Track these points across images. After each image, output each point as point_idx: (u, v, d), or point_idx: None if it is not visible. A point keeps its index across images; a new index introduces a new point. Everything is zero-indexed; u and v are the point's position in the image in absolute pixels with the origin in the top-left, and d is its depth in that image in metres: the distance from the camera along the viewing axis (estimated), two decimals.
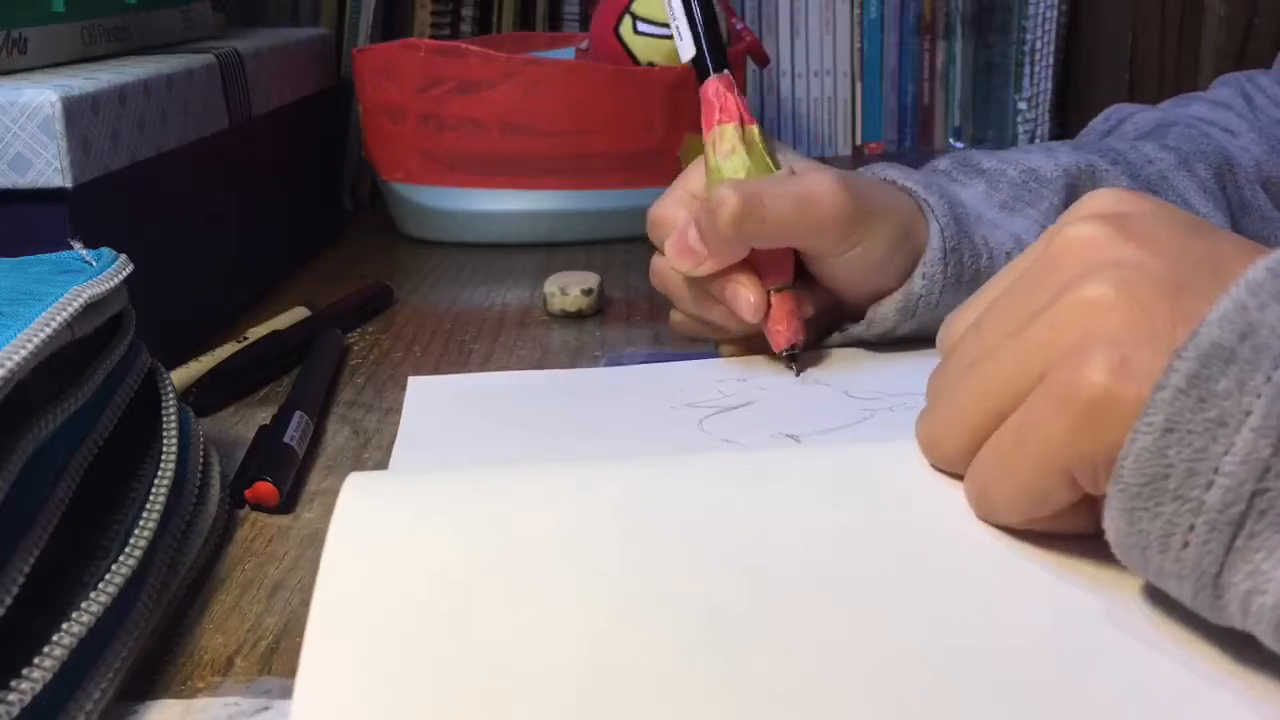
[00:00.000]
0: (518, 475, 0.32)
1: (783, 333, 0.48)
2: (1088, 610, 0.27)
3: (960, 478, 0.31)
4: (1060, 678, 0.25)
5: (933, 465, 0.32)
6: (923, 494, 0.31)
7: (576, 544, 0.29)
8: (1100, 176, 0.53)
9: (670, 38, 0.76)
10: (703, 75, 0.51)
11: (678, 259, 0.48)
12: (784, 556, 0.28)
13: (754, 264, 0.48)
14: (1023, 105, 1.05)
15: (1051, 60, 1.05)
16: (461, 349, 0.58)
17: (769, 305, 0.48)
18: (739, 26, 0.82)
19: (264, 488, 0.41)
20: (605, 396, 0.48)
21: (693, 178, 0.51)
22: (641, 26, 0.76)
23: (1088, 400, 0.26)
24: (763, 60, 0.84)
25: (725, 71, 0.51)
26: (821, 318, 0.51)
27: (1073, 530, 0.29)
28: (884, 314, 0.49)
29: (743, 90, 0.82)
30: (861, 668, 0.25)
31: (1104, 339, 0.27)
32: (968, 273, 0.49)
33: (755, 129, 0.49)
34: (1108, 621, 0.27)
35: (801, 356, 0.50)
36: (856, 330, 0.51)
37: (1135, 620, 0.27)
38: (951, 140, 1.09)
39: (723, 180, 0.48)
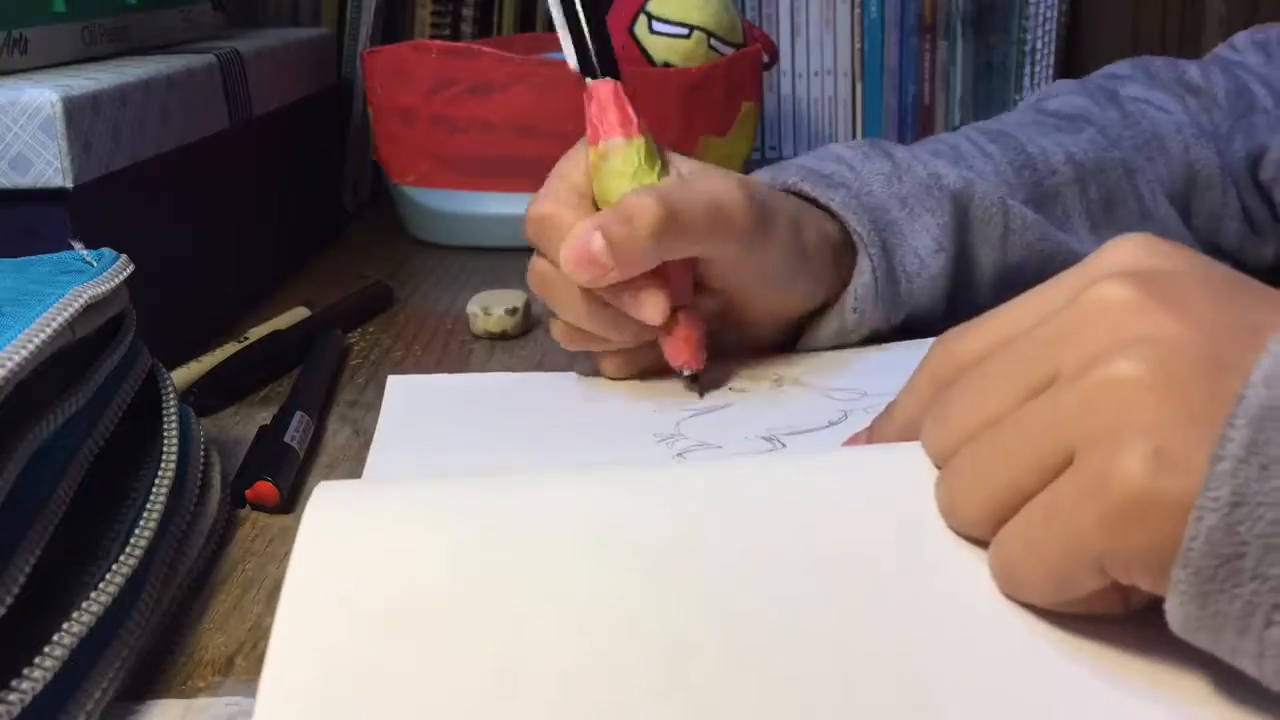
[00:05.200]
0: (485, 488, 0.31)
1: (684, 353, 0.47)
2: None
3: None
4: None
5: (953, 529, 0.29)
6: (899, 512, 0.30)
7: (539, 564, 0.28)
8: (984, 211, 0.52)
9: (689, 38, 0.75)
10: (589, 75, 0.49)
11: (578, 270, 0.44)
12: (751, 583, 0.28)
13: (660, 274, 0.45)
14: None
15: (1051, 60, 1.04)
16: (462, 349, 0.58)
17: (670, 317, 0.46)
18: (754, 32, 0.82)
19: (264, 488, 0.41)
20: (584, 398, 0.48)
21: (573, 173, 0.48)
22: (657, 26, 0.75)
23: (1121, 495, 0.24)
24: (771, 57, 0.84)
25: (616, 79, 0.48)
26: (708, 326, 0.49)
27: (1099, 612, 0.27)
28: (820, 339, 0.51)
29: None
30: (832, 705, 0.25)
31: (1139, 425, 0.25)
32: (900, 296, 0.50)
33: (644, 139, 0.47)
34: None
35: (703, 379, 0.48)
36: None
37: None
38: None
39: (614, 188, 0.46)
